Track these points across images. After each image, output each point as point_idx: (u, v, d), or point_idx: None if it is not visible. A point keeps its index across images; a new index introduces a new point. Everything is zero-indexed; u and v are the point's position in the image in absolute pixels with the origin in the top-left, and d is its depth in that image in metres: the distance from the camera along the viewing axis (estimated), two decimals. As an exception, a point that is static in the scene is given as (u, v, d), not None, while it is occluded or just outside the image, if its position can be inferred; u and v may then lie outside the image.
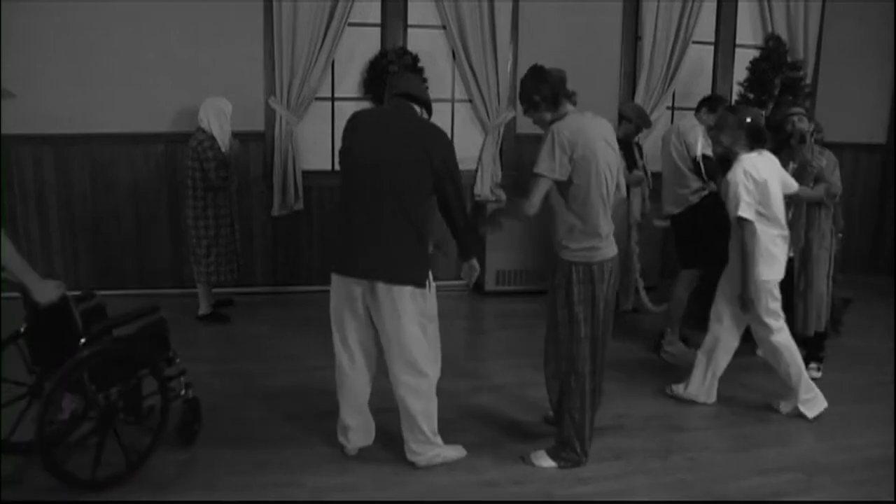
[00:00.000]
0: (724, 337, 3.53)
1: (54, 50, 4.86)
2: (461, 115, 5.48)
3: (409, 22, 5.26)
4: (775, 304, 3.41)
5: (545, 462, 2.98)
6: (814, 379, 3.67)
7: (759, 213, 3.27)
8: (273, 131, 5.09)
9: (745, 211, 3.22)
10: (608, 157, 2.81)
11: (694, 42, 5.57)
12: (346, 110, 5.30)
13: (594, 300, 2.83)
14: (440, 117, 5.41)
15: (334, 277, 2.85)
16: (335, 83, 5.28)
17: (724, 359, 3.57)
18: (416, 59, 5.15)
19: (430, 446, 2.93)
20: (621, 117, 4.66)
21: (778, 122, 3.84)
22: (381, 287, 2.71)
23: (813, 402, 3.47)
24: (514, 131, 5.46)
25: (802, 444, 3.32)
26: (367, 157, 2.72)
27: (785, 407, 3.54)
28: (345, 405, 2.96)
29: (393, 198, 2.68)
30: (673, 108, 5.81)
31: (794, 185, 3.50)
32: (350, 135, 2.81)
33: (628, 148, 4.68)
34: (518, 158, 5.48)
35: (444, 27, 5.25)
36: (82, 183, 5.07)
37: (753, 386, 3.86)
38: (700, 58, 5.75)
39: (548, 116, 2.81)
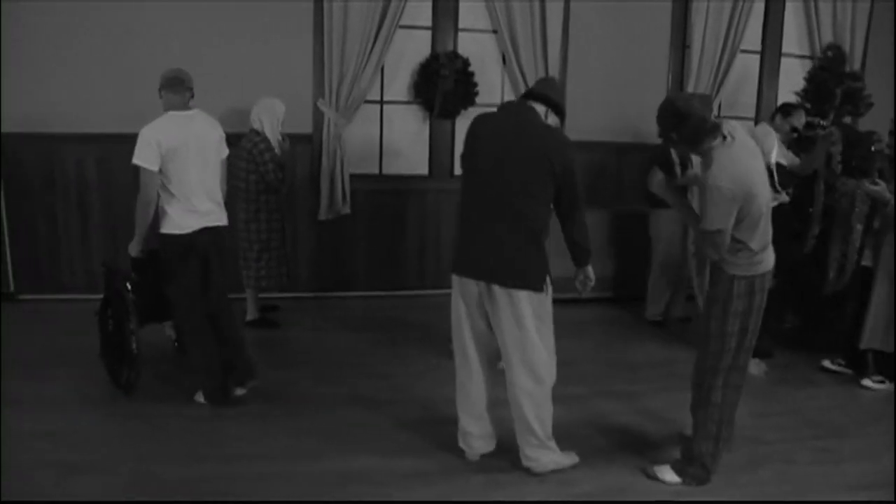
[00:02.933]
0: None
1: (100, 49, 4.78)
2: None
3: (460, 25, 5.21)
4: None
5: (669, 477, 2.91)
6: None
7: None
8: (321, 134, 5.01)
9: None
10: (763, 178, 2.71)
11: (741, 51, 5.55)
12: (394, 114, 5.31)
13: (750, 313, 2.77)
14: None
15: (454, 278, 2.85)
16: (384, 86, 5.21)
17: None
18: (466, 62, 5.10)
19: (545, 451, 2.90)
20: None
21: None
22: (499, 290, 2.71)
23: None
24: (562, 137, 5.40)
25: (889, 459, 3.26)
26: (489, 160, 2.70)
27: None
28: (464, 413, 2.97)
29: (513, 202, 2.67)
30: (719, 117, 5.76)
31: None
32: (472, 138, 2.79)
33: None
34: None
35: (494, 31, 5.20)
36: (125, 183, 4.94)
37: (827, 397, 3.84)
38: (746, 66, 5.73)
39: (685, 148, 2.76)
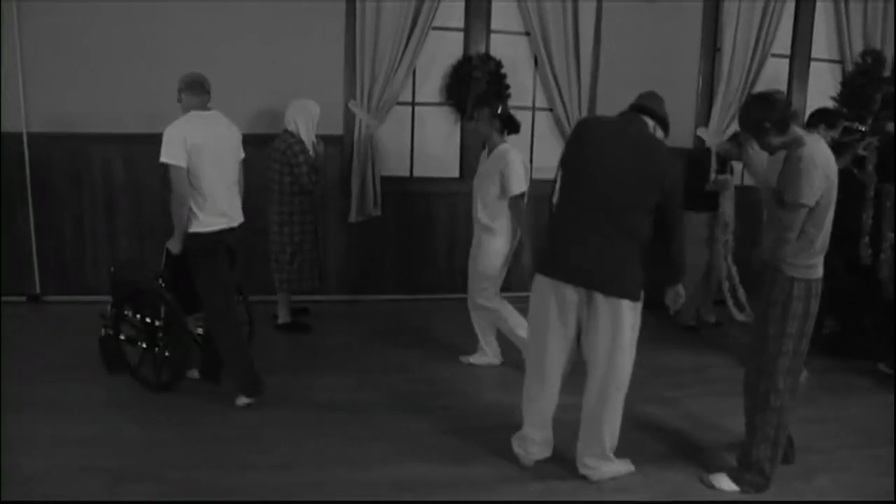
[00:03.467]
0: None
1: (127, 49, 4.73)
2: (540, 123, 5.39)
3: (492, 27, 5.17)
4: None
5: (726, 485, 2.87)
6: None
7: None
8: (352, 135, 4.97)
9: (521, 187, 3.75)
10: (836, 175, 2.72)
11: (771, 55, 5.52)
12: (425, 115, 5.27)
13: (806, 317, 2.76)
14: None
15: (542, 280, 2.80)
16: (416, 87, 5.17)
17: None
18: (499, 65, 5.07)
19: (605, 461, 2.88)
20: (734, 138, 4.64)
21: None
22: (600, 298, 2.69)
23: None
24: (592, 141, 5.36)
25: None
26: (598, 167, 2.67)
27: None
28: (530, 420, 2.95)
29: (622, 212, 2.65)
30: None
31: None
32: (579, 143, 2.76)
33: (722, 162, 4.77)
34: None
35: (527, 34, 5.17)
36: (152, 183, 4.91)
37: (872, 403, 3.80)
38: (775, 70, 5.70)
39: (776, 141, 2.72)
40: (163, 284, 3.56)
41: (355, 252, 5.19)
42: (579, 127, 2.83)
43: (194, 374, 3.69)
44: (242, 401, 3.47)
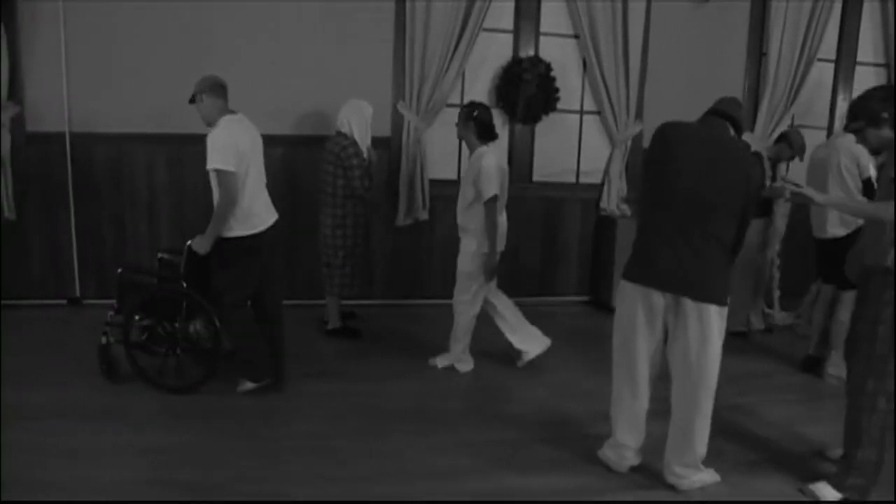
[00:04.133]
0: None
1: (173, 48, 4.66)
2: (588, 127, 5.34)
3: (542, 30, 5.12)
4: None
5: (828, 492, 2.81)
6: None
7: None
8: (400, 137, 4.90)
9: (491, 191, 3.70)
10: None
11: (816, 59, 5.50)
12: (474, 117, 5.19)
13: None
14: (568, 129, 5.30)
15: (629, 287, 2.77)
16: (464, 89, 5.11)
17: None
18: (549, 67, 5.01)
19: (694, 470, 2.84)
20: (782, 139, 4.60)
21: None
22: (689, 304, 2.65)
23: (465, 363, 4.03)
24: (640, 145, 5.32)
25: None
26: (685, 171, 2.64)
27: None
28: (623, 425, 2.90)
29: (711, 216, 2.63)
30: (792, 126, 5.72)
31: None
32: (664, 148, 2.72)
33: (773, 167, 4.74)
34: (636, 172, 5.34)
35: (576, 36, 5.12)
36: (195, 185, 4.83)
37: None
38: (819, 75, 5.68)
39: (890, 134, 2.69)
40: (184, 284, 3.49)
41: (402, 255, 5.11)
42: (662, 132, 2.79)
43: (247, 385, 3.57)
44: (246, 386, 3.52)
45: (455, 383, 3.85)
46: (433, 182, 5.00)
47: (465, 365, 4.04)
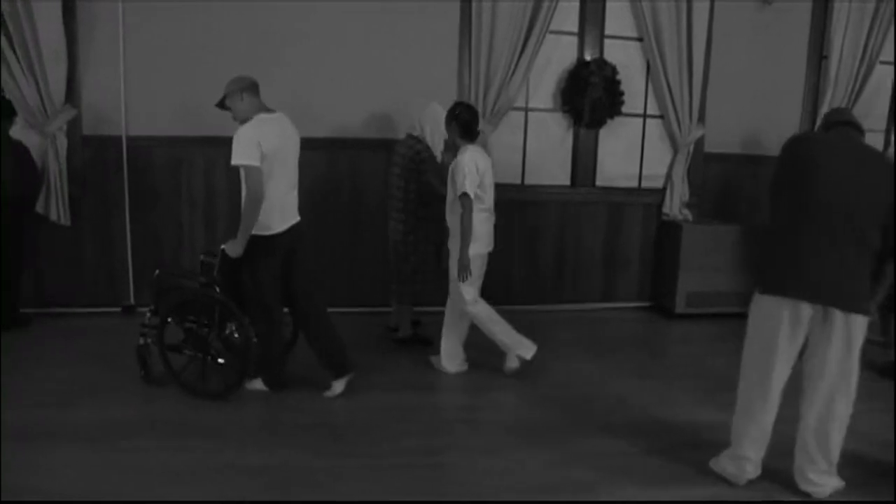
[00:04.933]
0: None
1: (233, 50, 4.53)
2: (650, 131, 5.27)
3: (606, 32, 5.05)
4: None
5: None
6: None
7: (476, 195, 3.69)
8: (465, 141, 4.81)
9: (469, 188, 3.64)
10: None
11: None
12: (538, 121, 5.13)
13: None
14: (630, 133, 5.24)
15: (772, 301, 2.71)
16: (528, 92, 5.03)
17: None
18: (615, 70, 4.94)
19: (830, 476, 2.80)
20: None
21: None
22: (838, 315, 2.63)
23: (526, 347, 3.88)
24: (702, 149, 5.26)
25: None
26: (830, 182, 2.62)
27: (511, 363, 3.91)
28: (749, 439, 2.84)
29: (857, 225, 2.61)
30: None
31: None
32: (800, 159, 2.71)
33: None
34: (704, 178, 5.29)
35: (640, 39, 5.05)
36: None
37: None
38: (878, 79, 5.62)
39: None
40: (218, 289, 3.45)
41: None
42: (795, 144, 2.78)
43: (258, 384, 3.57)
44: (256, 385, 3.55)
45: (546, 392, 3.75)
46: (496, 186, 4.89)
47: (527, 350, 3.89)
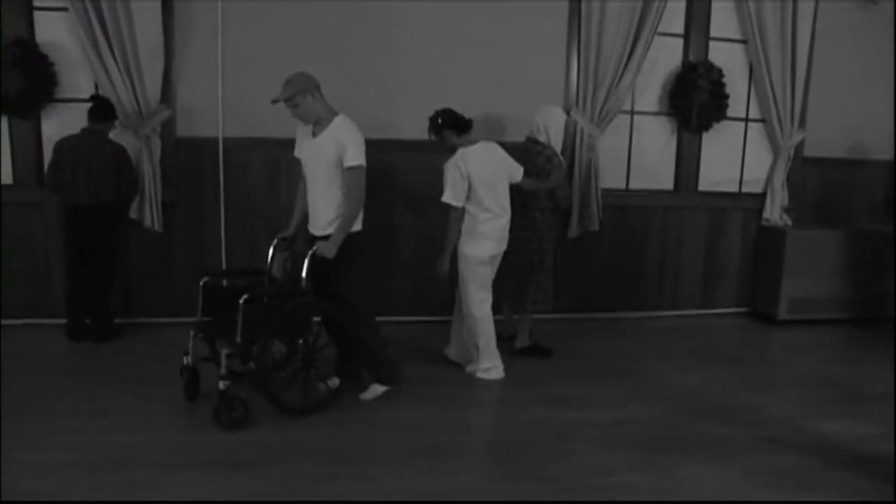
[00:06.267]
0: None
1: (333, 51, 4.39)
2: (750, 135, 5.16)
3: (711, 34, 4.95)
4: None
5: None
6: None
7: (474, 197, 3.65)
8: (572, 145, 4.68)
9: (451, 198, 3.64)
10: None
11: None
12: (641, 124, 5.02)
13: None
14: (731, 137, 5.14)
15: None
16: (634, 95, 4.91)
17: None
18: (721, 73, 4.84)
19: None
20: None
21: None
22: None
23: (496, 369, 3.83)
24: (801, 154, 5.18)
25: None
26: None
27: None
28: None
29: None
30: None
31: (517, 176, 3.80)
32: None
33: None
34: (803, 182, 5.21)
35: (744, 41, 4.96)
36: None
37: None
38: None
39: None
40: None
41: (567, 268, 4.87)
42: None
43: (335, 382, 3.47)
44: (377, 390, 3.49)
45: (685, 404, 3.62)
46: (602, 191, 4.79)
47: (497, 372, 3.84)
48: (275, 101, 3.28)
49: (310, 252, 3.22)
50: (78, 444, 2.93)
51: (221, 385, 3.07)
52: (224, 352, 3.10)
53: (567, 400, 3.63)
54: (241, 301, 3.02)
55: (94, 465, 2.77)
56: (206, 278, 3.46)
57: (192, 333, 3.34)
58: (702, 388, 3.87)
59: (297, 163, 3.57)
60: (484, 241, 3.70)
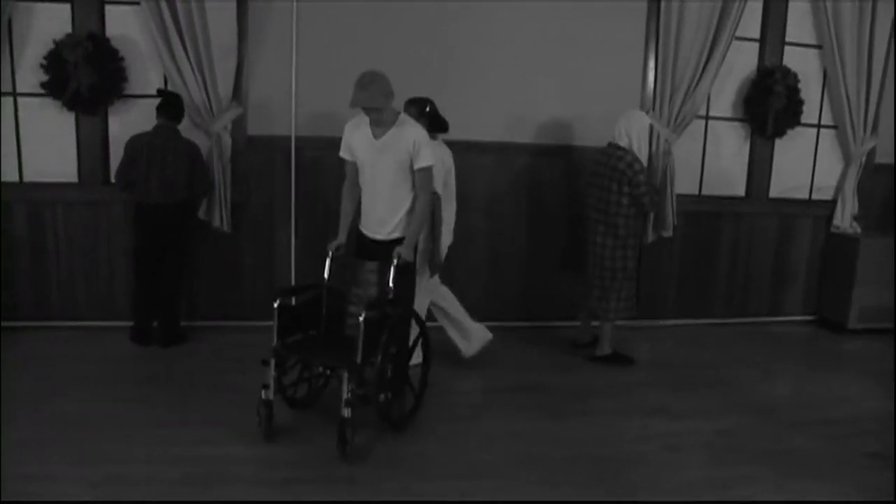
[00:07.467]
0: None
1: (408, 50, 4.31)
2: (822, 141, 5.10)
3: (787, 39, 4.87)
4: None
5: None
6: None
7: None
8: (649, 150, 4.58)
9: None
10: None
11: None
12: (715, 130, 4.94)
13: None
14: (803, 144, 5.06)
15: None
16: (709, 100, 4.82)
17: None
18: (797, 78, 4.77)
19: None
20: None
21: None
22: None
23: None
24: (872, 161, 5.11)
25: None
26: None
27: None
28: None
29: None
30: None
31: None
32: None
33: None
34: (873, 189, 5.14)
35: (819, 46, 4.89)
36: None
37: None
38: None
39: None
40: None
41: (641, 274, 4.76)
42: None
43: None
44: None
45: (783, 415, 3.56)
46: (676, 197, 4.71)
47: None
48: (365, 108, 3.05)
49: (394, 260, 3.03)
50: (170, 458, 2.81)
51: (346, 413, 2.81)
52: (344, 374, 2.85)
53: (661, 410, 3.56)
54: (361, 319, 2.85)
55: (192, 480, 2.66)
56: (278, 300, 3.07)
57: (272, 361, 3.02)
58: (793, 398, 3.83)
59: (342, 164, 3.37)
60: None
